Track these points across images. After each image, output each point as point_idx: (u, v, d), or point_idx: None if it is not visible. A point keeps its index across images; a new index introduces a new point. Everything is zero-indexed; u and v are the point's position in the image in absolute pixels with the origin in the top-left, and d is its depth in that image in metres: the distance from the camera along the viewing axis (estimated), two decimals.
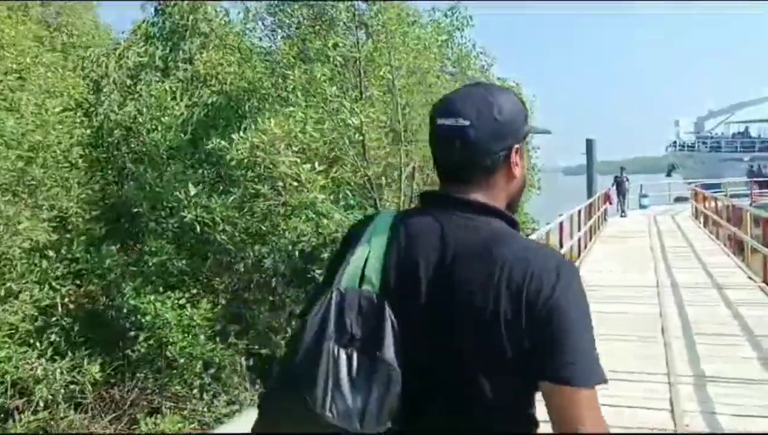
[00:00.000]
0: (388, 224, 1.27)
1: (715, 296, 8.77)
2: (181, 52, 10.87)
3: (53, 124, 8.40)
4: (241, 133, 7.57)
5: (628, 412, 4.73)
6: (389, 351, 1.14)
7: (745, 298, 8.57)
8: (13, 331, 8.07)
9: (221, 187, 9.33)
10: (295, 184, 7.44)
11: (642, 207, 27.24)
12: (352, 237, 1.29)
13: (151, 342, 8.38)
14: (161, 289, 8.67)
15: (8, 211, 7.98)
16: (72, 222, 9.09)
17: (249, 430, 1.22)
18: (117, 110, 9.89)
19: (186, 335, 8.67)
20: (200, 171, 10.18)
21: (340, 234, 8.21)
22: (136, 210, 9.09)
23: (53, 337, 8.42)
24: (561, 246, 10.55)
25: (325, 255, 8.06)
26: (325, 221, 7.63)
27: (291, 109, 7.97)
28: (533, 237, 8.22)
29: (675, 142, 47.79)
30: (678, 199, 30.92)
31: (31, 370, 7.88)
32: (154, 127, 9.83)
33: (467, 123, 1.23)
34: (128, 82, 10.49)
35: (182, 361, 8.26)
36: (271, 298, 10.83)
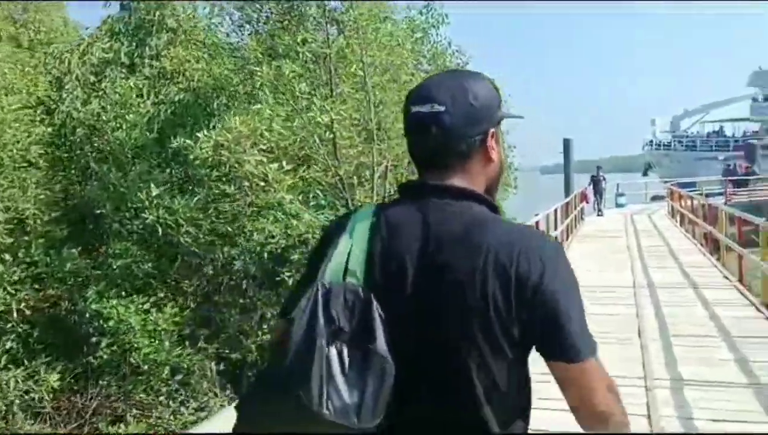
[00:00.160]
0: (368, 217, 1.25)
1: (692, 296, 8.71)
2: (147, 49, 10.53)
3: (9, 123, 8.04)
4: (205, 131, 7.29)
5: None
6: (381, 343, 1.13)
7: (721, 298, 8.52)
8: None
9: (190, 188, 9.04)
10: (262, 183, 7.18)
11: (619, 206, 27.42)
12: (333, 233, 1.28)
13: (115, 348, 8.06)
14: (124, 292, 8.35)
15: None
16: (30, 224, 8.72)
17: (228, 430, 1.19)
18: (80, 108, 9.53)
19: (152, 341, 8.37)
20: (168, 171, 9.88)
21: (310, 235, 7.98)
22: (99, 211, 8.75)
23: (9, 344, 8.06)
24: None
25: (295, 257, 7.83)
26: (294, 222, 7.39)
27: (258, 106, 7.71)
28: None
29: (651, 141, 48.29)
30: (654, 198, 31.18)
31: None
32: (118, 125, 9.50)
33: (442, 108, 1.22)
34: (92, 78, 10.13)
35: (146, 367, 7.94)
36: (241, 301, 10.56)
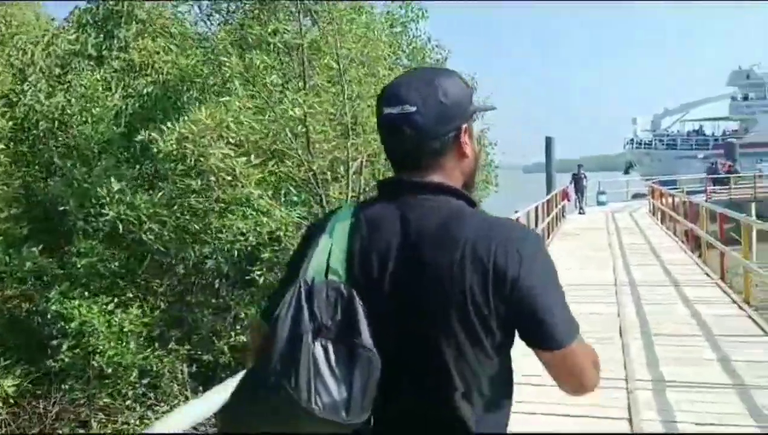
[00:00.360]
0: (348, 216, 1.26)
1: (673, 294, 8.59)
2: (116, 40, 10.17)
3: None
4: (169, 124, 6.97)
5: (585, 421, 4.44)
6: (366, 337, 1.13)
7: (702, 295, 8.40)
8: None
9: (160, 184, 8.70)
10: (229, 178, 6.88)
11: (600, 204, 27.53)
12: (313, 234, 1.28)
13: (77, 350, 7.70)
14: (88, 293, 7.98)
15: None
16: None
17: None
18: (43, 100, 9.14)
19: (119, 342, 8.03)
20: (137, 167, 9.53)
21: (282, 232, 7.70)
22: (63, 208, 8.38)
23: None
24: None
25: (266, 255, 7.54)
26: (265, 219, 7.09)
27: (227, 98, 7.40)
28: None
29: (632, 140, 48.69)
30: (636, 196, 31.35)
31: None
32: (84, 119, 9.12)
33: (413, 109, 1.22)
34: (57, 71, 9.74)
35: (110, 371, 7.59)
36: (214, 301, 10.26)
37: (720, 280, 9.53)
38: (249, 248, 7.69)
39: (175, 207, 7.54)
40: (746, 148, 39.50)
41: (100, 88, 9.47)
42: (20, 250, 8.16)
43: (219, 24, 9.03)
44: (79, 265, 8.38)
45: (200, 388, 9.59)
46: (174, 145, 6.76)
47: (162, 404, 9.09)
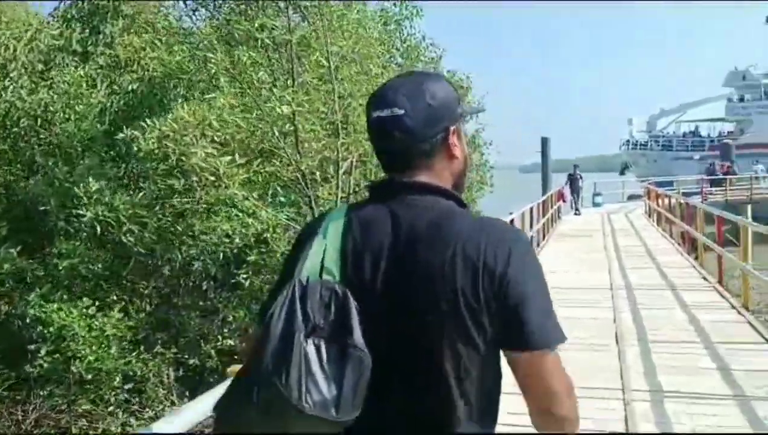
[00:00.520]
0: (341, 217, 1.28)
1: (671, 299, 8.40)
2: (101, 36, 9.91)
3: None
4: (149, 121, 6.72)
5: None
6: (358, 336, 1.14)
7: (700, 300, 8.22)
8: None
9: (142, 184, 8.45)
10: (212, 178, 6.63)
11: (596, 205, 27.41)
12: (306, 236, 1.30)
13: (57, 356, 7.44)
14: (67, 296, 7.72)
15: None
16: None
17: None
18: (25, 97, 8.87)
19: (101, 346, 7.77)
20: (123, 165, 9.28)
21: (269, 234, 7.47)
22: (43, 208, 8.12)
23: None
24: None
25: (252, 258, 7.31)
26: (250, 220, 6.85)
27: (212, 95, 7.15)
28: None
29: (628, 141, 48.60)
30: (631, 197, 31.24)
31: None
32: (67, 116, 8.87)
33: (402, 112, 1.25)
34: (40, 67, 9.49)
35: (90, 377, 7.33)
36: (201, 303, 10.02)
37: (718, 284, 9.35)
38: (235, 250, 7.44)
39: (157, 208, 7.29)
40: (742, 150, 39.40)
41: (84, 85, 9.23)
42: None
43: (205, 19, 8.79)
44: (60, 267, 8.13)
45: (187, 393, 9.36)
46: (155, 144, 6.52)
47: (147, 410, 8.86)
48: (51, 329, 7.31)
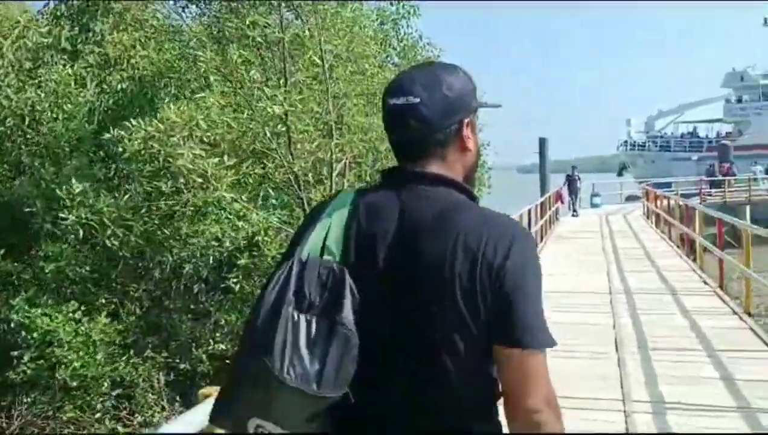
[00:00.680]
0: (348, 200, 1.29)
1: (671, 303, 8.23)
2: (91, 33, 9.70)
3: None
4: (134, 121, 6.52)
5: None
6: (348, 314, 1.16)
7: (701, 305, 8.04)
8: None
9: (128, 186, 8.24)
10: (200, 180, 6.44)
11: (594, 206, 27.28)
12: (313, 216, 1.31)
13: (41, 362, 7.24)
14: (54, 299, 7.52)
15: None
16: None
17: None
18: (12, 95, 8.66)
19: (87, 351, 7.57)
20: (113, 166, 9.08)
21: (260, 237, 7.28)
22: (29, 209, 7.91)
23: None
24: None
25: (242, 261, 7.12)
26: (240, 223, 6.66)
27: (202, 95, 6.96)
28: None
29: (626, 142, 48.47)
30: (629, 198, 31.12)
31: None
32: (55, 116, 8.66)
33: (418, 100, 1.26)
34: (28, 65, 9.27)
35: (74, 384, 7.13)
36: (193, 307, 9.83)
37: (719, 289, 9.19)
38: (226, 254, 7.25)
39: (143, 210, 7.09)
40: (740, 151, 39.23)
41: (73, 84, 9.02)
42: None
43: (194, 17, 8.60)
44: (47, 270, 7.93)
45: (177, 398, 9.18)
46: (140, 145, 6.33)
47: (137, 415, 8.67)
48: (35, 335, 7.10)
